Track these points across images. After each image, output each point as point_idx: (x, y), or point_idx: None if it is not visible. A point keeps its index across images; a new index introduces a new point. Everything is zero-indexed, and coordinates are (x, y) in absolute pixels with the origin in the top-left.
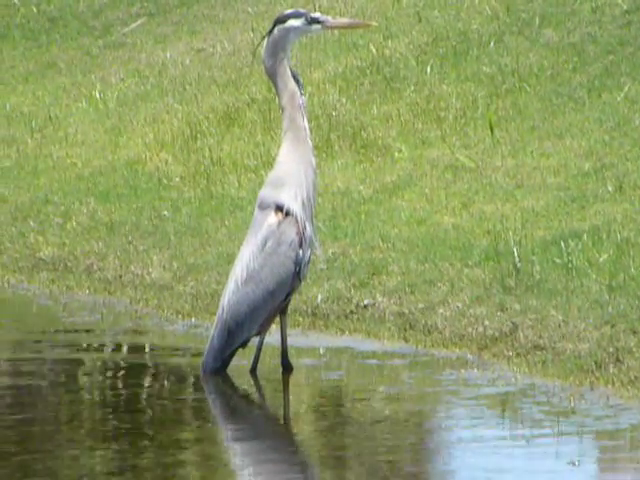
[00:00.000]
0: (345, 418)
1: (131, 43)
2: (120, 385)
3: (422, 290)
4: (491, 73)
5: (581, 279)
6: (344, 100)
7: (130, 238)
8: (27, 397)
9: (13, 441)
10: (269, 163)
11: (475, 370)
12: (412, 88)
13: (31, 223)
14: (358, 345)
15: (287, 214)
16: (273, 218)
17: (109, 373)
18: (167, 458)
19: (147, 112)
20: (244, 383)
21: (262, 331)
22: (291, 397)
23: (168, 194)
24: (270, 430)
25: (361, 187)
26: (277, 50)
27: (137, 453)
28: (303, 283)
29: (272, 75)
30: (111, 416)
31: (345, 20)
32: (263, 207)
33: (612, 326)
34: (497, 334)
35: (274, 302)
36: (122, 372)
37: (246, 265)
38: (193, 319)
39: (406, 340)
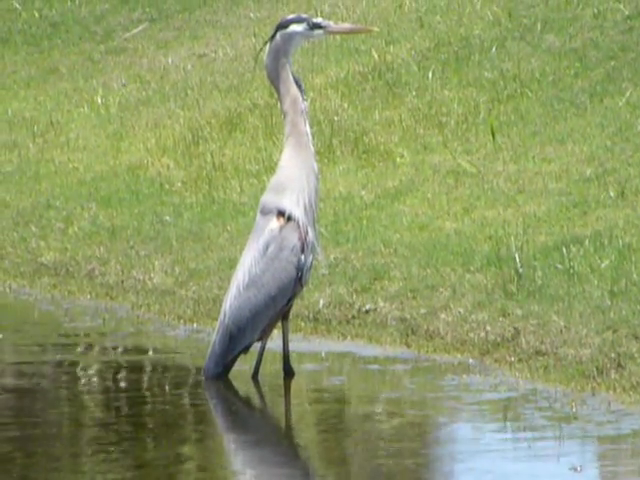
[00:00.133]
0: (347, 424)
1: (133, 48)
2: (121, 390)
3: (424, 295)
4: (493, 78)
5: (583, 285)
6: (346, 105)
7: (132, 243)
8: (28, 402)
9: (14, 444)
10: (271, 168)
11: (477, 375)
12: (414, 93)
13: (33, 228)
14: (360, 350)
15: (289, 219)
16: (275, 223)
17: (110, 379)
18: (167, 463)
19: (149, 117)
20: (246, 388)
21: (264, 336)
22: (293, 402)
23: (170, 199)
24: (272, 435)
25: (363, 192)
26: (279, 55)
27: (137, 459)
28: (305, 288)
29: (274, 80)
30: (112, 421)
31: (347, 25)
32: (265, 212)
33: (614, 332)
34: (499, 339)
35: (276, 307)
36: (124, 377)
37: (248, 270)
38: (195, 324)
39: (408, 345)
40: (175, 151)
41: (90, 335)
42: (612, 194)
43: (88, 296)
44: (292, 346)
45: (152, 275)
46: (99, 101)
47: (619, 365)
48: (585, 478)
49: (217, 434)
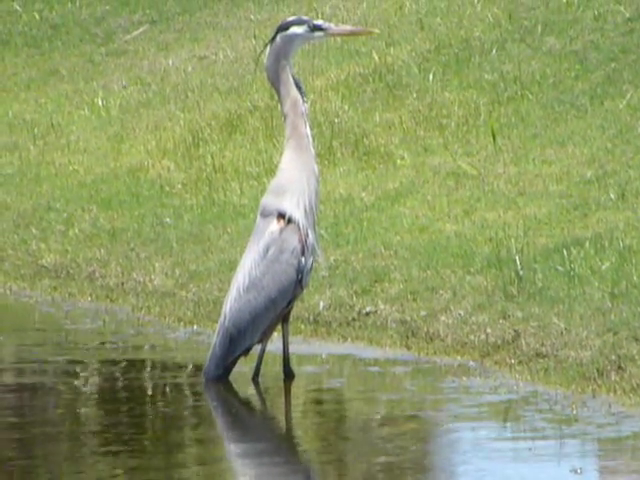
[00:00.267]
0: (347, 426)
1: (133, 50)
2: (121, 392)
3: (424, 297)
4: (493, 80)
5: (583, 287)
6: (346, 107)
7: (132, 245)
8: (28, 402)
9: (13, 448)
10: (271, 170)
11: (477, 378)
12: (414, 95)
13: (33, 230)
14: (360, 352)
15: (289, 221)
16: (275, 225)
17: (111, 380)
18: (168, 465)
19: (149, 119)
20: (246, 391)
21: (264, 339)
22: (293, 405)
23: (170, 201)
24: (272, 437)
25: (363, 194)
26: (280, 57)
27: (137, 461)
28: (305, 290)
29: (275, 82)
30: (112, 423)
31: (347, 27)
32: (265, 214)
33: (614, 334)
34: (499, 342)
35: (276, 309)
36: (124, 379)
37: (248, 272)
38: (195, 326)
39: (408, 347)
40: (175, 153)
41: (90, 337)
42: (612, 196)
43: (88, 298)
44: (292, 348)
45: (152, 277)
46: (100, 103)
47: (619, 367)
48: None
49: (217, 436)
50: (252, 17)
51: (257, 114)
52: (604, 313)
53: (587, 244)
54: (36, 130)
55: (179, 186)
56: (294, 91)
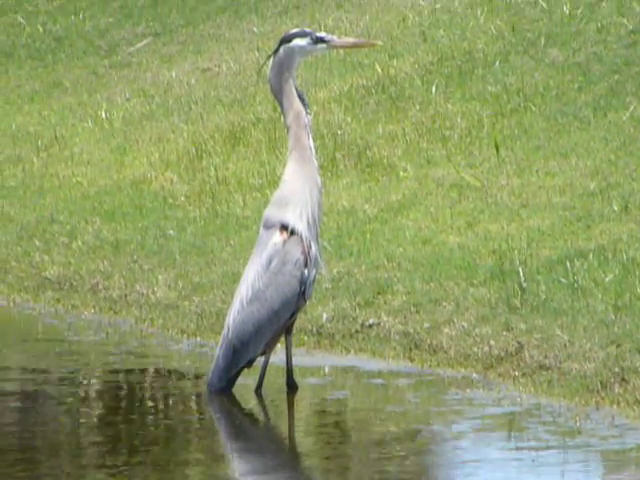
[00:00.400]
0: (350, 438)
1: (137, 63)
2: (124, 404)
3: (427, 309)
4: (496, 92)
5: (587, 299)
6: (349, 119)
7: (135, 257)
8: (31, 415)
9: (16, 458)
10: (274, 182)
11: (480, 390)
12: (417, 107)
13: (37, 242)
14: (363, 364)
15: (292, 233)
16: (278, 237)
17: (113, 392)
18: (170, 477)
19: (152, 131)
20: (249, 403)
21: (267, 350)
22: (296, 417)
23: (173, 213)
24: (275, 449)
25: (366, 206)
26: (283, 69)
27: (139, 473)
28: (308, 302)
29: (277, 94)
30: (114, 434)
31: (350, 39)
32: (268, 226)
33: (618, 346)
34: (503, 354)
35: (279, 321)
36: (126, 391)
37: (251, 284)
38: (198, 338)
39: (411, 360)
40: (179, 165)
41: (93, 349)
42: (616, 208)
43: (92, 310)
44: (295, 360)
45: (155, 289)
46: (103, 115)
47: (623, 379)
48: None
49: (220, 448)
50: (255, 29)
51: (260, 126)
52: (607, 325)
53: (590, 256)
54: (39, 142)
55: (182, 198)
56: (297, 103)
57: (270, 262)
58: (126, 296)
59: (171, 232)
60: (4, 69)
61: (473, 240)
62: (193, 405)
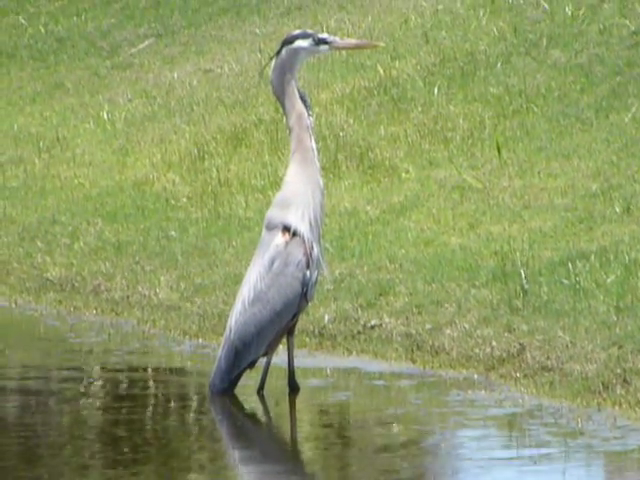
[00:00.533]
0: (352, 439)
1: (139, 64)
2: (126, 405)
3: (429, 311)
4: (498, 94)
5: (589, 300)
6: (351, 121)
7: (137, 258)
8: (33, 417)
9: (17, 459)
10: (276, 183)
11: (482, 391)
12: (419, 109)
13: (38, 243)
14: (365, 366)
15: (294, 235)
16: (280, 239)
17: (114, 393)
18: (172, 477)
19: (154, 132)
20: (251, 404)
21: (269, 352)
22: (298, 418)
23: (175, 214)
24: (277, 451)
25: (368, 208)
26: (285, 71)
27: (140, 474)
28: (310, 304)
29: (280, 96)
30: (116, 435)
31: (352, 41)
32: (270, 227)
33: (619, 347)
34: (504, 355)
35: (281, 323)
36: (129, 393)
37: (253, 286)
38: (200, 339)
39: (413, 361)
40: (181, 166)
41: (95, 350)
42: (618, 209)
43: (94, 311)
44: (297, 361)
45: (158, 290)
46: (105, 116)
47: (625, 381)
48: None
49: (222, 449)
50: (257, 31)
51: (262, 127)
52: (609, 326)
53: (592, 257)
54: (41, 143)
55: (184, 199)
56: (299, 104)
57: (272, 263)
58: (128, 297)
59: (173, 233)
60: (6, 70)
61: (475, 241)
62: (195, 406)
